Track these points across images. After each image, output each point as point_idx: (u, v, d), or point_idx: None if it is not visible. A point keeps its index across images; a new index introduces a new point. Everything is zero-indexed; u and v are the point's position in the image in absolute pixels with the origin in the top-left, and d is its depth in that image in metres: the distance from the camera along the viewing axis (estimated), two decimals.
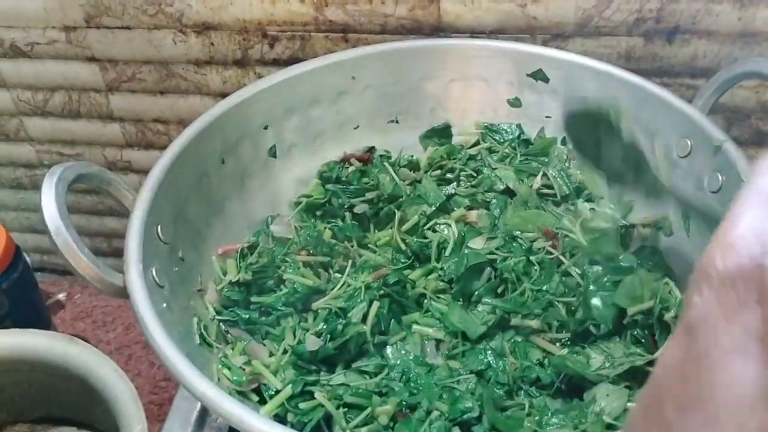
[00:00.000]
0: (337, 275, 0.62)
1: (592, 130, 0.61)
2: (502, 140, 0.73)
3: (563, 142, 0.70)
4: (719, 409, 0.17)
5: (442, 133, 0.74)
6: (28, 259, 0.95)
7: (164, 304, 0.50)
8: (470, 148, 0.72)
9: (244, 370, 0.53)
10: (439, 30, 0.75)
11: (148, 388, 0.96)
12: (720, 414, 0.17)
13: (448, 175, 0.71)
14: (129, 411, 0.73)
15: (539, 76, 0.70)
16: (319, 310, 0.59)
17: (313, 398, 0.51)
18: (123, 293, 0.48)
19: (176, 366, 0.43)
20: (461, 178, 0.70)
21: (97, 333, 1.03)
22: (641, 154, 0.60)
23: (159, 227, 0.55)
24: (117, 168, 0.94)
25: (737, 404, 0.16)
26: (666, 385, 0.19)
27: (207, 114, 0.63)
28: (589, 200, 0.67)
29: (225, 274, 0.61)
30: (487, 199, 0.68)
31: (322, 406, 0.51)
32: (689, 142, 0.60)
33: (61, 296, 1.06)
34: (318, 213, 0.69)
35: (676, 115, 0.61)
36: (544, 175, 0.68)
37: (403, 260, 0.64)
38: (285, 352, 0.56)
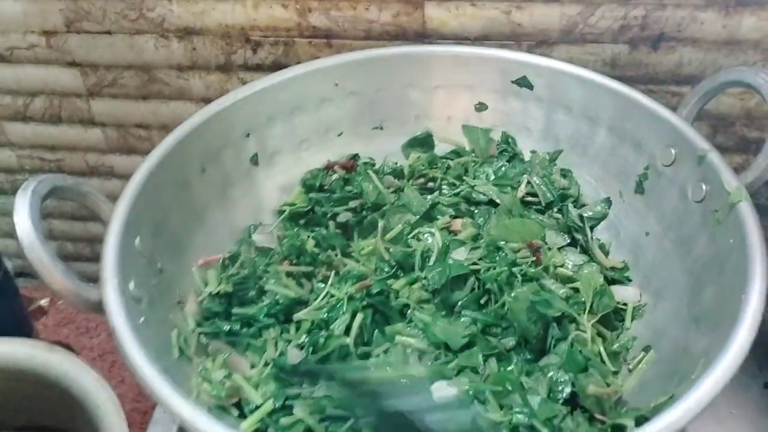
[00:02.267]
0: (320, 285, 0.62)
1: None
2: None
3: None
4: None
5: (423, 142, 0.73)
6: (9, 264, 0.93)
7: (142, 319, 0.49)
8: (451, 159, 0.72)
9: (224, 384, 0.52)
10: (423, 36, 0.74)
11: (132, 395, 0.95)
12: None
13: (430, 184, 0.70)
14: (111, 420, 0.72)
15: (524, 83, 0.69)
16: (302, 322, 0.58)
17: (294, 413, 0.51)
18: (99, 309, 0.47)
19: (152, 384, 0.42)
20: (443, 187, 0.70)
21: (80, 339, 1.02)
22: None
23: (137, 239, 0.54)
24: (99, 173, 0.93)
25: None
26: None
27: (186, 123, 0.62)
28: (575, 205, 0.67)
29: (205, 285, 0.60)
30: (471, 208, 0.68)
31: (302, 421, 0.50)
32: (673, 151, 0.60)
33: (44, 302, 1.05)
34: (301, 221, 0.69)
35: (661, 124, 0.60)
36: (528, 182, 0.68)
37: (386, 270, 0.63)
38: (266, 364, 0.55)
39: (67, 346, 0.98)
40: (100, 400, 0.74)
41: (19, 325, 0.92)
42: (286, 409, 0.51)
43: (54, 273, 0.46)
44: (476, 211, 0.68)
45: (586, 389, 0.49)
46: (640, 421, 0.46)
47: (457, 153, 0.73)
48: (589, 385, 0.49)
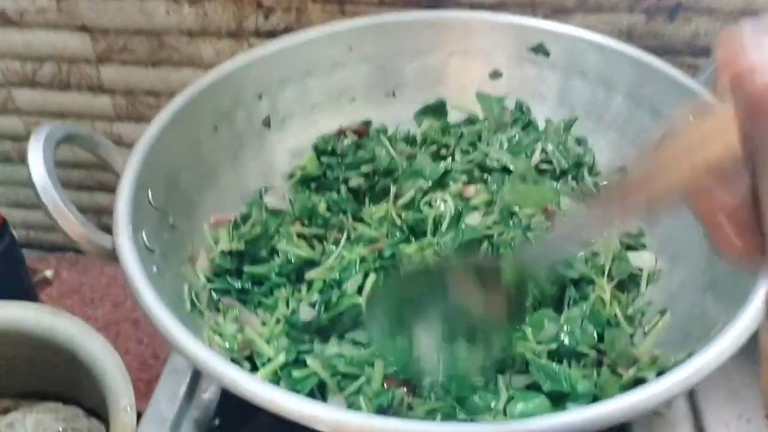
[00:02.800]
0: (332, 247, 0.61)
1: None
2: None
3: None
4: None
5: (436, 110, 0.73)
6: (14, 234, 0.93)
7: (154, 268, 0.48)
8: (464, 127, 0.71)
9: (236, 337, 0.51)
10: (437, 2, 0.74)
11: (136, 365, 0.95)
12: None
13: (443, 151, 0.70)
14: (117, 385, 0.72)
15: (540, 49, 0.69)
16: (314, 281, 0.58)
17: (306, 367, 0.50)
18: (112, 256, 0.47)
19: (168, 328, 0.42)
20: (456, 154, 0.69)
21: (84, 310, 1.02)
22: None
23: (150, 192, 0.53)
24: None
25: None
26: None
27: (200, 80, 0.61)
28: (590, 173, 0.66)
29: (217, 243, 0.59)
30: (484, 175, 0.67)
31: (315, 374, 0.49)
32: (691, 117, 0.59)
33: (48, 273, 1.05)
34: (312, 185, 0.68)
35: (678, 90, 0.60)
36: (542, 150, 0.67)
37: (398, 235, 0.63)
38: (278, 321, 0.55)
39: None
40: (107, 365, 0.74)
41: (25, 294, 0.92)
42: (297, 363, 0.51)
43: (68, 216, 0.46)
44: (489, 178, 0.67)
45: (618, 343, 0.49)
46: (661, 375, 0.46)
47: (471, 121, 0.72)
48: (621, 339, 0.49)
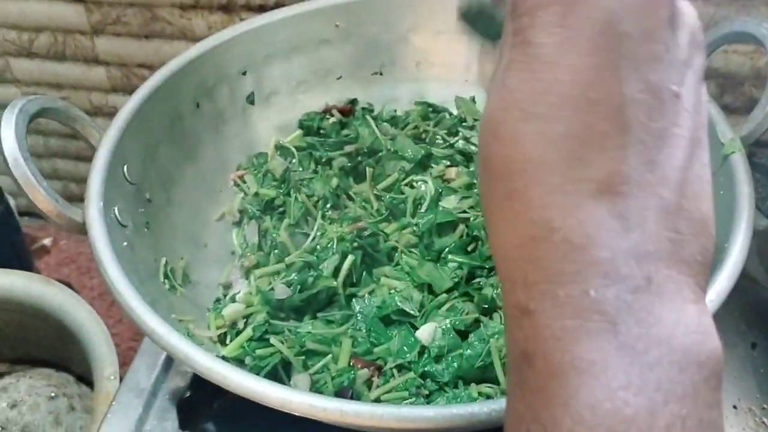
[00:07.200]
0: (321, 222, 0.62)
1: None
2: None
3: None
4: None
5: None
6: (12, 201, 0.94)
7: (125, 243, 0.49)
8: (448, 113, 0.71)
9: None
10: None
11: (129, 334, 0.97)
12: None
13: (424, 135, 0.69)
14: (102, 353, 0.74)
15: None
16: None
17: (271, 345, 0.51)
18: (82, 229, 0.48)
19: (125, 299, 0.43)
20: (437, 138, 0.69)
21: (81, 279, 1.03)
22: None
23: (125, 167, 0.54)
24: (103, 113, 0.94)
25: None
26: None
27: (182, 56, 0.61)
28: None
29: None
30: (466, 160, 0.67)
31: (279, 352, 0.50)
32: None
33: (47, 241, 1.06)
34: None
35: None
36: None
37: (376, 215, 0.63)
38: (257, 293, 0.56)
39: (68, 285, 1.01)
40: (93, 333, 0.75)
41: (20, 262, 0.93)
42: (265, 340, 0.52)
43: (38, 189, 0.46)
44: (471, 166, 0.67)
45: None
46: None
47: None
48: None
